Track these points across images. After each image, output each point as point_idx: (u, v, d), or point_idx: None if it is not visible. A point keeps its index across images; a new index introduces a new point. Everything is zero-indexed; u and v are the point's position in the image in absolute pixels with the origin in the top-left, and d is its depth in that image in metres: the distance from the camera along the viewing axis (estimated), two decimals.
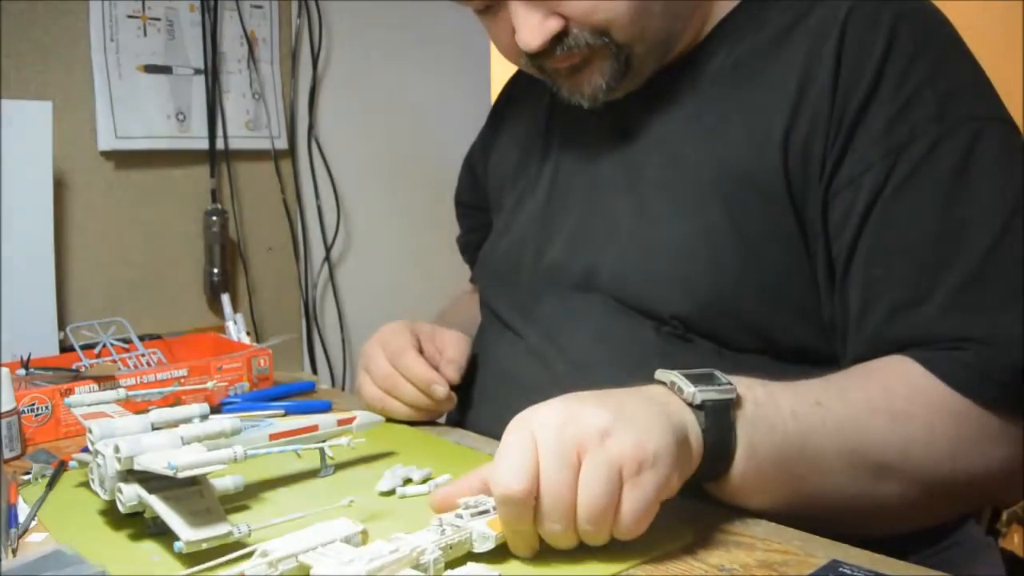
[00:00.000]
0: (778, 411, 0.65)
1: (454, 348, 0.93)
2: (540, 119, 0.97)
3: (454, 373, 0.90)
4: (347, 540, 0.56)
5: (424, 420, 0.91)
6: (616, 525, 0.57)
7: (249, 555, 0.54)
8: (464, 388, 0.93)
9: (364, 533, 0.58)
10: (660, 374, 0.65)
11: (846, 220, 0.72)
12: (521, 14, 0.77)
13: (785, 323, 0.75)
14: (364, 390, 0.92)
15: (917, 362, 0.68)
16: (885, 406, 0.66)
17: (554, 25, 0.76)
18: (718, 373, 0.64)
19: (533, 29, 0.76)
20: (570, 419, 0.58)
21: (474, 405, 0.93)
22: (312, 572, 0.52)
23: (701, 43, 0.83)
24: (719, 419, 0.62)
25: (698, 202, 0.78)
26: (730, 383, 0.63)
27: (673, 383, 0.63)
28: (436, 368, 0.90)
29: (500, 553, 0.58)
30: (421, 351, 0.91)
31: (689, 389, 0.62)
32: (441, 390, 0.88)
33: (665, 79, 0.83)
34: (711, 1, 0.83)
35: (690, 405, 0.62)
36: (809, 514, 0.65)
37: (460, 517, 0.59)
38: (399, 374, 0.89)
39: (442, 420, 0.95)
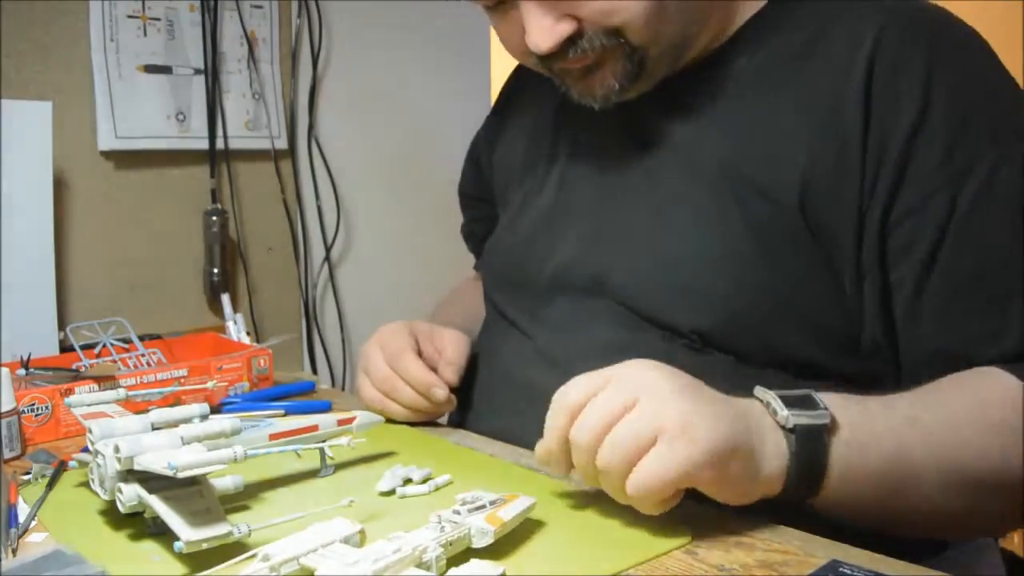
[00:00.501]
0: (872, 430, 0.64)
1: (453, 349, 0.93)
2: (548, 114, 0.95)
3: (453, 375, 0.90)
4: (346, 540, 0.56)
5: (424, 421, 0.91)
6: (632, 475, 0.58)
7: (250, 559, 0.54)
8: (465, 387, 0.93)
9: (362, 533, 0.58)
10: (759, 391, 0.65)
11: (911, 249, 0.70)
12: (533, 15, 0.74)
13: (806, 341, 0.74)
14: (363, 392, 0.92)
15: (1008, 372, 0.67)
16: (980, 418, 0.65)
17: (567, 28, 0.74)
18: (815, 395, 0.63)
19: (545, 31, 0.74)
20: (651, 374, 0.61)
21: (475, 405, 0.93)
22: (316, 574, 0.52)
23: (722, 46, 0.81)
24: (811, 444, 0.62)
25: (717, 213, 0.76)
26: (826, 408, 0.63)
27: (769, 404, 0.63)
28: (435, 369, 0.90)
29: (498, 548, 0.58)
30: (420, 352, 0.91)
31: (783, 412, 0.62)
32: (440, 393, 0.88)
33: (682, 81, 0.81)
34: (733, 1, 0.80)
35: (783, 428, 0.62)
36: (904, 528, 0.65)
37: (458, 513, 0.59)
38: (398, 376, 0.89)
39: (443, 420, 0.95)
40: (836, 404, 0.64)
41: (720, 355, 0.75)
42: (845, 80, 0.72)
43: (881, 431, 0.64)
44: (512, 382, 0.87)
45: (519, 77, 1.06)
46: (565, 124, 0.92)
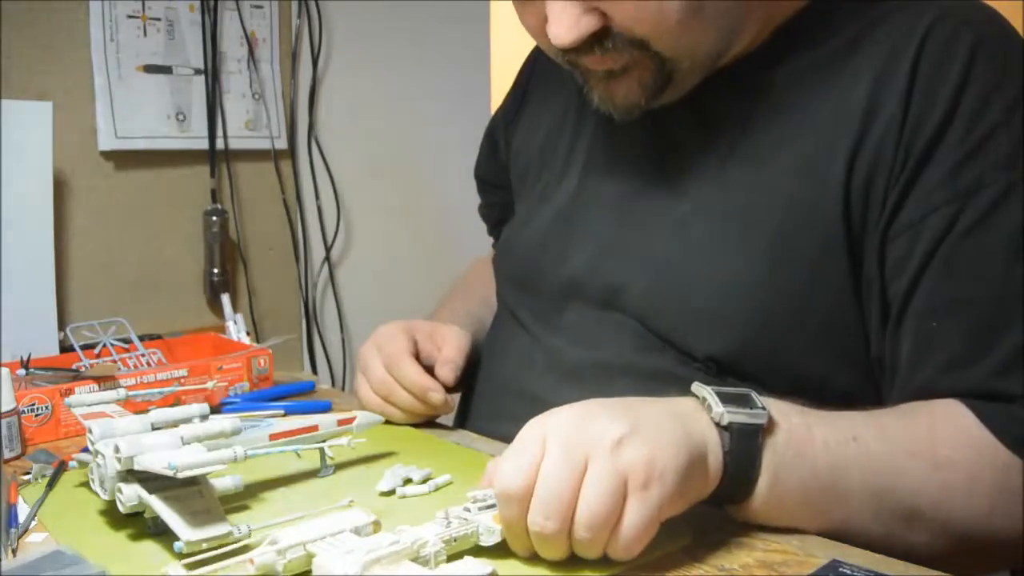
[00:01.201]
0: (811, 441, 0.62)
1: (451, 347, 0.91)
2: (571, 105, 0.89)
3: (450, 374, 0.88)
4: (357, 531, 0.56)
5: (424, 422, 0.91)
6: (614, 538, 0.55)
7: (258, 544, 0.55)
8: (468, 382, 0.92)
9: (376, 524, 0.58)
10: (696, 387, 0.63)
11: (904, 264, 0.68)
12: (558, 5, 0.68)
13: (829, 369, 0.71)
14: (362, 395, 0.91)
15: (970, 410, 0.65)
16: (927, 450, 0.63)
17: (592, 23, 0.68)
18: (754, 395, 0.62)
19: (569, 24, 0.68)
20: (584, 423, 0.57)
21: (477, 407, 0.92)
22: (314, 561, 0.53)
23: (757, 50, 0.76)
24: (745, 443, 0.60)
25: (744, 233, 0.72)
26: (764, 408, 0.61)
27: (705, 400, 0.62)
28: (434, 367, 0.89)
29: (505, 548, 0.58)
30: (418, 352, 0.90)
31: (718, 408, 0.61)
32: (437, 397, 0.86)
33: (714, 88, 0.76)
34: (770, 1, 0.74)
35: (717, 425, 0.61)
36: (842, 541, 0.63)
37: (468, 511, 0.59)
38: (395, 381, 0.88)
39: (448, 420, 0.95)
40: (778, 409, 0.63)
41: (739, 382, 0.71)
42: (886, 84, 0.68)
43: (818, 443, 0.62)
44: (518, 389, 0.85)
45: (539, 60, 0.98)
46: (589, 116, 0.86)
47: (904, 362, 0.69)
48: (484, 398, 0.92)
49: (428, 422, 0.91)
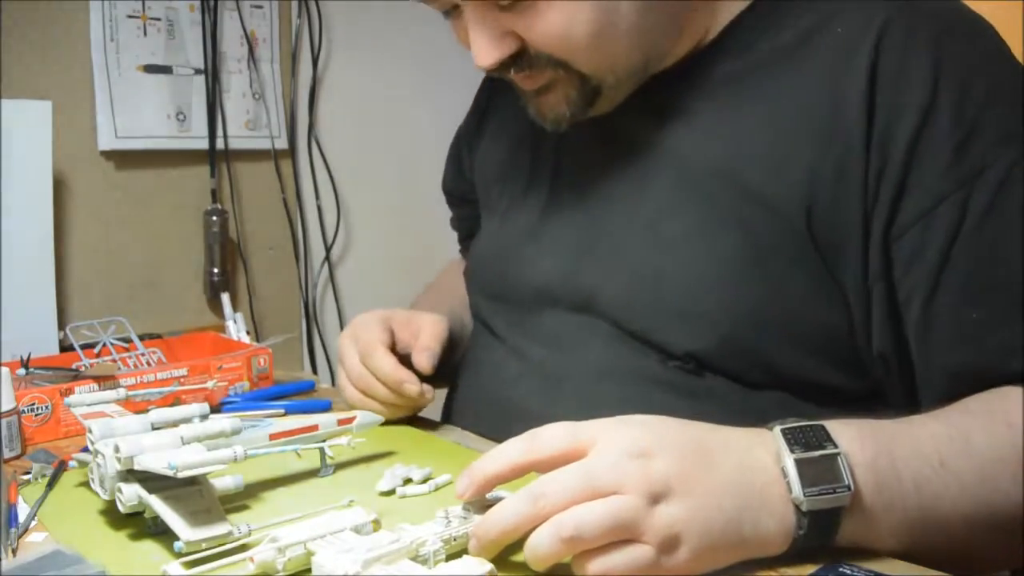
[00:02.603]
0: (899, 487, 0.58)
1: (427, 334, 0.88)
2: (524, 109, 0.87)
3: (426, 361, 0.86)
4: (357, 529, 0.56)
5: (411, 415, 0.90)
6: (587, 559, 0.52)
7: (258, 543, 0.55)
8: (450, 394, 0.90)
9: (376, 522, 0.58)
10: (776, 452, 0.56)
11: (920, 258, 0.66)
12: (475, 29, 0.71)
13: (809, 364, 0.70)
14: (344, 390, 0.89)
15: None
16: (1012, 451, 0.60)
17: (511, 45, 0.71)
18: (841, 460, 0.55)
19: (487, 47, 0.71)
20: (639, 454, 0.53)
21: (462, 414, 0.90)
22: (314, 559, 0.53)
23: (706, 48, 0.76)
24: (824, 524, 0.55)
25: (712, 225, 0.72)
26: (849, 484, 0.55)
27: (785, 473, 0.55)
28: (411, 355, 0.87)
29: (503, 548, 0.58)
30: (395, 342, 0.88)
31: (798, 492, 0.54)
32: (412, 388, 0.84)
33: (667, 85, 0.77)
34: (714, 2, 0.76)
35: (794, 504, 0.55)
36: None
37: (467, 510, 0.59)
38: (371, 374, 0.86)
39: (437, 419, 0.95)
40: (862, 460, 0.57)
41: (719, 378, 0.72)
42: (846, 76, 0.68)
43: (908, 487, 0.58)
44: (496, 400, 0.84)
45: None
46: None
47: (944, 355, 0.67)
48: (466, 412, 0.90)
49: (427, 420, 0.91)
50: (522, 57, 0.72)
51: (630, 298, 0.75)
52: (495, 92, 0.99)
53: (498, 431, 0.81)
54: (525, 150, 0.90)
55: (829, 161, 0.68)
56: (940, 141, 0.65)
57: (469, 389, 0.91)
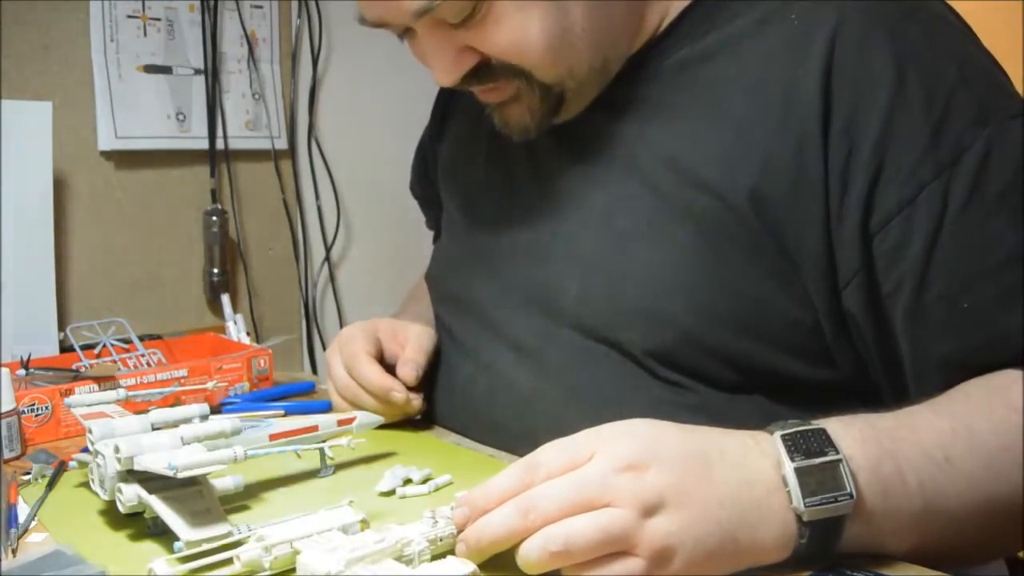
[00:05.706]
0: (904, 487, 0.57)
1: (411, 346, 0.88)
2: (487, 117, 0.85)
3: (411, 373, 0.85)
4: (344, 529, 0.56)
5: (403, 420, 0.89)
6: (573, 573, 0.51)
7: (246, 540, 0.55)
8: (432, 402, 0.90)
9: (364, 522, 0.58)
10: (777, 461, 0.55)
11: (905, 247, 0.65)
12: (431, 48, 0.71)
13: (776, 359, 0.69)
14: (334, 399, 0.90)
15: None
16: (1015, 437, 0.59)
17: (470, 59, 0.71)
18: (843, 467, 0.54)
19: (446, 64, 0.71)
20: (632, 466, 0.52)
21: (450, 426, 0.90)
22: (298, 558, 0.53)
23: (662, 35, 0.75)
24: (825, 533, 0.54)
25: (665, 219, 0.71)
26: (850, 492, 0.53)
27: (785, 483, 0.54)
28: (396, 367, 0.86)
29: None
30: (381, 353, 0.88)
31: (798, 499, 0.53)
32: (399, 396, 0.84)
33: (622, 75, 0.76)
34: (660, 1, 0.75)
35: (795, 513, 0.54)
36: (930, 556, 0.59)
37: (454, 511, 0.59)
38: (357, 384, 0.86)
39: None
40: (865, 464, 0.55)
41: (687, 381, 0.70)
42: (799, 65, 0.66)
43: (913, 489, 0.57)
44: (475, 417, 0.83)
45: None
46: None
47: (937, 345, 0.66)
48: (450, 424, 0.89)
49: (427, 420, 0.91)
50: (484, 69, 0.72)
51: (588, 298, 0.75)
52: (452, 96, 0.98)
53: (486, 443, 0.82)
54: (482, 153, 0.90)
55: (783, 151, 0.67)
56: (914, 129, 0.64)
57: (445, 404, 0.89)
